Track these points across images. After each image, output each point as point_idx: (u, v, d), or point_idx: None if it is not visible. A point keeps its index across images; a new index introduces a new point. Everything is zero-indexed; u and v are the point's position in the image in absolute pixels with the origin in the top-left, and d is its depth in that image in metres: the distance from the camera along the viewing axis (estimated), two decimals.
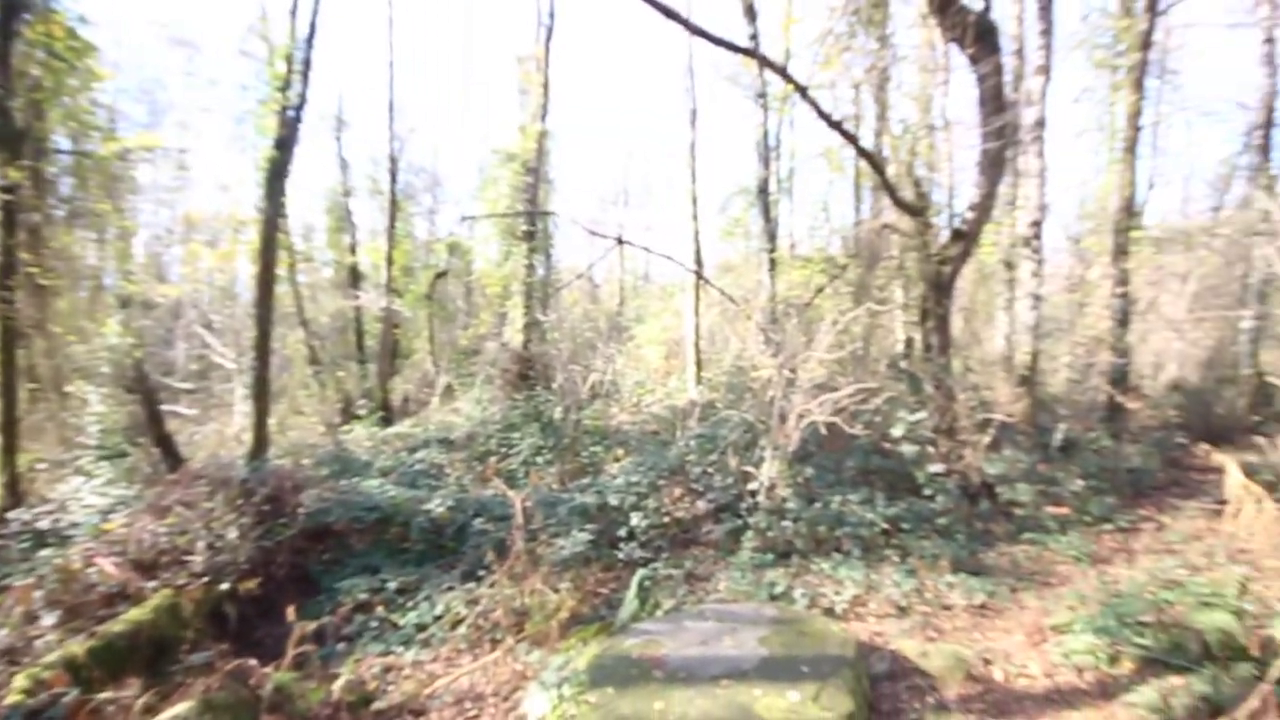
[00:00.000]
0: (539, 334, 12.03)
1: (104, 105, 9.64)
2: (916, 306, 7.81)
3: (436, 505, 6.02)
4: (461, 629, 4.46)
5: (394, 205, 16.15)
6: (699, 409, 8.77)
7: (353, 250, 17.13)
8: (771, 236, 11.87)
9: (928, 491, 6.00)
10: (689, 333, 11.98)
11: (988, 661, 3.86)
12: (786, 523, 5.50)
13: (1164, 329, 11.05)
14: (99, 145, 8.72)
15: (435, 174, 22.03)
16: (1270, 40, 10.88)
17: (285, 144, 7.43)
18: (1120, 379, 8.93)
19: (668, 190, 30.88)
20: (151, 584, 4.38)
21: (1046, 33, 8.03)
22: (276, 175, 7.52)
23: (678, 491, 6.46)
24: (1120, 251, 9.34)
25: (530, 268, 12.19)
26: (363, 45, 37.86)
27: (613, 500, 6.10)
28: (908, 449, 6.15)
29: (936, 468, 6.15)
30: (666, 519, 6.03)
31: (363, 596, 4.90)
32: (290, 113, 7.38)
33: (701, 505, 6.23)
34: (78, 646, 3.50)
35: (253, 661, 3.60)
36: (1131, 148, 9.66)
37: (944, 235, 7.19)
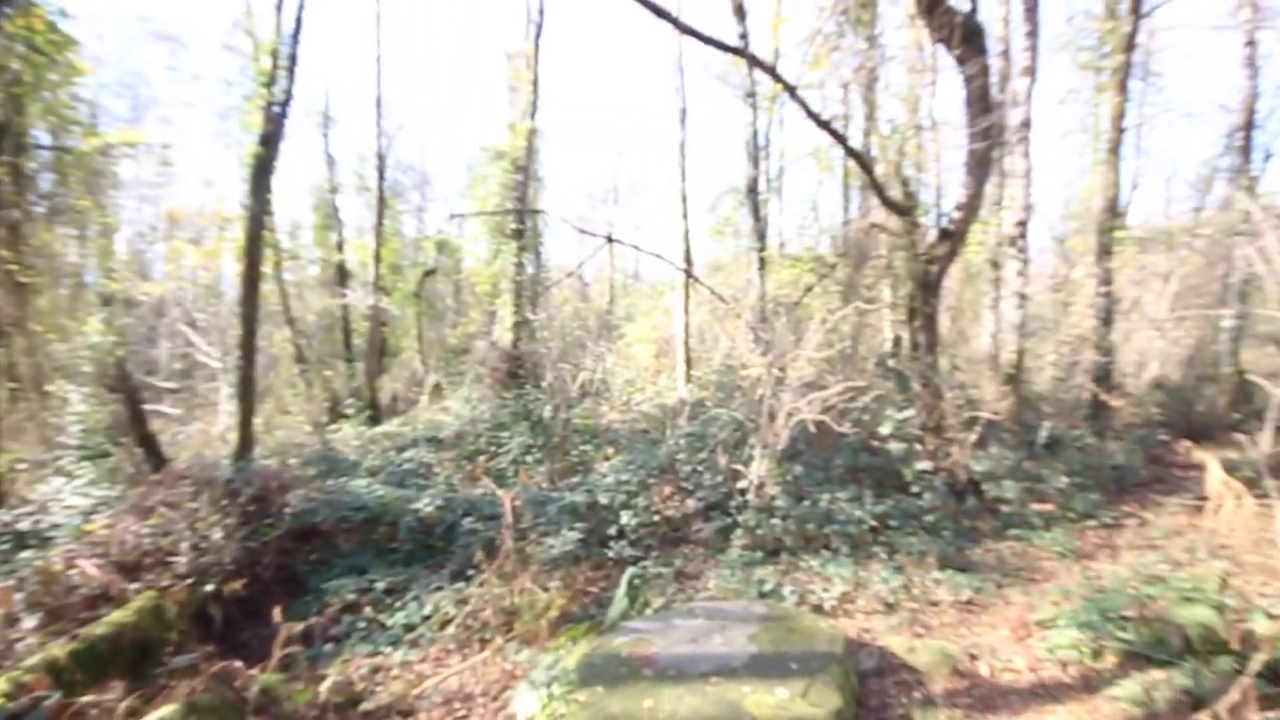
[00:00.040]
0: (528, 332, 12.00)
1: (85, 100, 9.51)
2: (904, 305, 7.86)
3: (425, 505, 5.99)
4: (450, 629, 4.44)
5: (382, 202, 16.04)
6: (688, 407, 8.78)
7: (340, 248, 17.00)
8: (761, 235, 11.90)
9: (915, 489, 6.05)
10: (679, 331, 12.00)
11: (974, 656, 3.90)
12: (775, 520, 5.52)
13: (1147, 328, 11.19)
14: (80, 141, 8.59)
15: (424, 171, 21.98)
16: (1252, 43, 11.06)
17: (271, 140, 7.35)
18: (1104, 377, 9.05)
19: (658, 189, 30.94)
20: (134, 586, 4.32)
21: (1032, 34, 8.11)
22: (262, 171, 7.44)
23: (667, 490, 6.46)
24: (1104, 251, 9.47)
25: (520, 266, 12.16)
26: (350, 41, 37.62)
27: (602, 499, 6.09)
28: (895, 447, 6.20)
29: (924, 465, 6.20)
30: (656, 517, 6.03)
31: (350, 597, 4.86)
32: (276, 108, 7.31)
33: (691, 503, 6.24)
34: (59, 649, 3.44)
35: (238, 663, 3.57)
36: (1115, 149, 9.79)
37: (931, 235, 7.22)
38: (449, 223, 18.66)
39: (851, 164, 10.74)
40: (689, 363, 11.69)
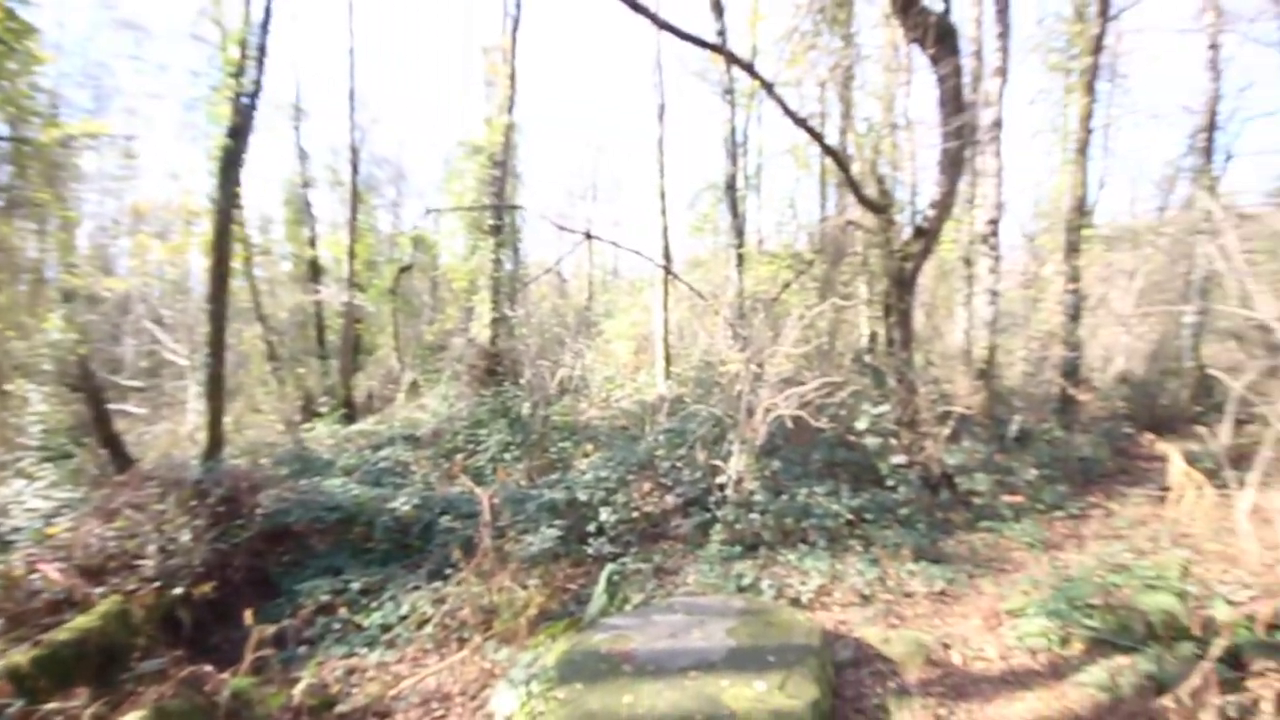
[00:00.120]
0: (506, 329, 11.90)
1: (45, 90, 9.23)
2: (880, 302, 7.96)
3: (402, 504, 5.92)
4: (428, 628, 4.40)
5: (356, 197, 15.78)
6: (668, 404, 8.80)
7: (313, 243, 16.68)
8: (739, 232, 11.96)
9: (890, 482, 6.14)
10: (658, 328, 12.01)
11: (947, 646, 3.97)
12: (754, 515, 5.56)
13: (1113, 323, 11.49)
14: (40, 132, 8.32)
15: (399, 166, 21.68)
16: (1214, 46, 11.38)
17: (239, 132, 7.18)
18: (1072, 372, 9.27)
19: (636, 185, 30.91)
20: (99, 590, 4.20)
21: (1004, 35, 8.25)
22: (230, 165, 7.26)
23: (646, 486, 6.47)
24: (1072, 249, 9.68)
25: (497, 262, 12.04)
26: (322, 33, 36.83)
27: (581, 496, 6.08)
28: (871, 441, 6.28)
29: (899, 459, 6.29)
30: (635, 514, 6.04)
31: (325, 598, 4.78)
32: (244, 100, 7.13)
33: (670, 499, 6.26)
34: (21, 656, 3.33)
35: (208, 668, 3.49)
36: (1083, 149, 10.01)
37: (906, 232, 7.32)
38: (425, 218, 18.40)
39: (828, 161, 10.84)
40: (668, 359, 11.71)
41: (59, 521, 5.18)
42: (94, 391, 8.13)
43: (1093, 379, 10.56)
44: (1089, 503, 6.68)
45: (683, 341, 13.15)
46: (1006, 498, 6.26)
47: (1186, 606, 3.62)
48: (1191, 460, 5.70)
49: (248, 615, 3.80)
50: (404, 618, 4.55)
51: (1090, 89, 9.94)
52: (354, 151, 15.60)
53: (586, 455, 7.99)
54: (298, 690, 3.52)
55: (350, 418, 12.48)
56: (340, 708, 3.61)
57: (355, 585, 4.96)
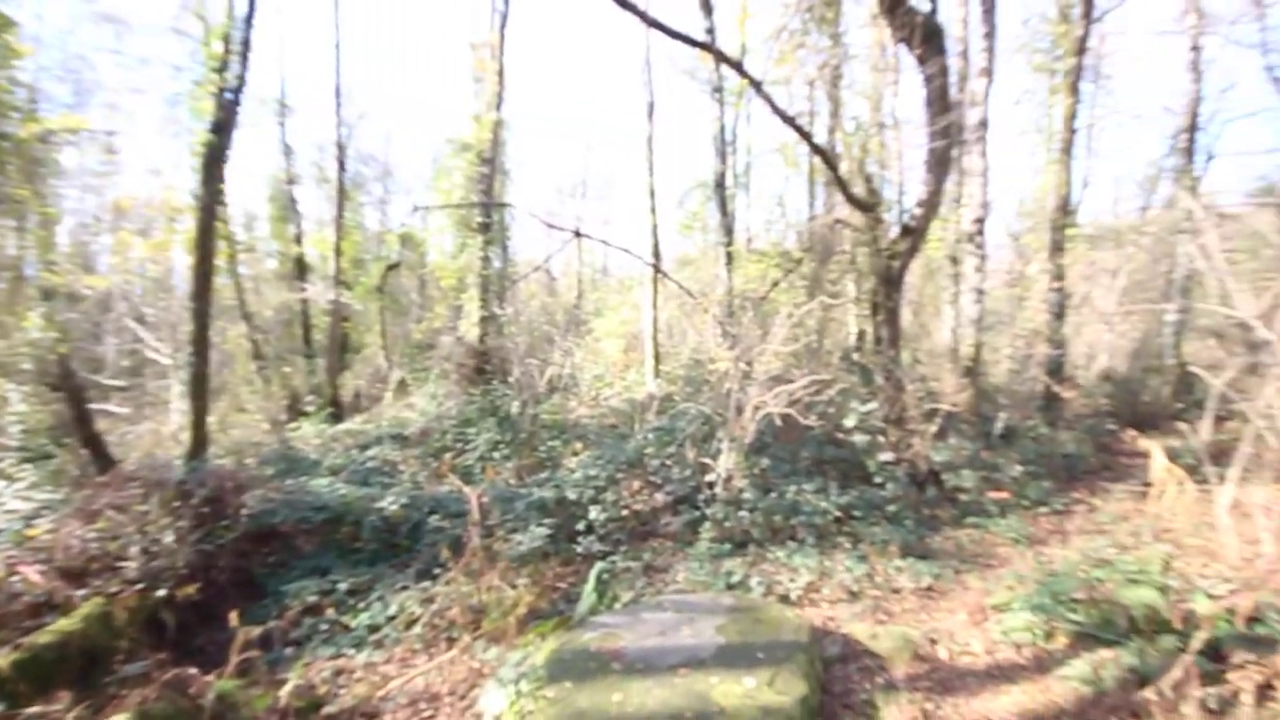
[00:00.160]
0: (495, 327, 11.85)
1: (24, 84, 9.04)
2: (868, 300, 8.00)
3: (389, 503, 5.88)
4: (416, 628, 4.38)
5: (342, 194, 15.61)
6: (657, 402, 8.81)
7: (298, 241, 16.50)
8: (728, 231, 11.98)
9: (878, 479, 6.18)
10: (647, 326, 12.01)
11: (933, 641, 4.01)
12: (743, 513, 5.58)
13: (1096, 322, 11.64)
14: (18, 127, 8.18)
15: (386, 163, 21.46)
16: (1196, 48, 11.55)
17: (223, 128, 7.08)
18: (1056, 369, 9.38)
19: (626, 183, 30.85)
20: (81, 592, 4.14)
21: (990, 36, 8.33)
22: (214, 161, 7.17)
23: (636, 484, 6.47)
24: (1056, 248, 9.80)
25: (486, 260, 11.98)
26: (308, 28, 36.47)
27: (571, 494, 6.07)
28: (859, 439, 6.33)
29: (887, 456, 6.34)
30: (625, 512, 6.04)
31: (311, 599, 4.74)
32: (228, 95, 7.04)
33: (660, 497, 6.27)
34: (2, 659, 3.28)
35: (193, 670, 3.45)
36: (1067, 149, 10.13)
37: (894, 231, 7.37)
38: (413, 216, 18.28)
39: (817, 160, 10.87)
40: (657, 357, 11.71)
41: (39, 523, 5.09)
42: (75, 391, 8.00)
43: (1076, 376, 10.69)
44: (1073, 499, 6.77)
45: (672, 340, 13.16)
46: (992, 494, 6.34)
47: (1168, 600, 3.67)
48: (1173, 456, 5.78)
49: (233, 617, 3.75)
50: (392, 618, 4.52)
51: (1074, 90, 10.06)
52: (340, 148, 15.45)
53: (576, 454, 7.97)
54: (284, 692, 3.49)
55: (337, 417, 12.37)
56: (328, 709, 3.58)
57: (342, 585, 4.92)
